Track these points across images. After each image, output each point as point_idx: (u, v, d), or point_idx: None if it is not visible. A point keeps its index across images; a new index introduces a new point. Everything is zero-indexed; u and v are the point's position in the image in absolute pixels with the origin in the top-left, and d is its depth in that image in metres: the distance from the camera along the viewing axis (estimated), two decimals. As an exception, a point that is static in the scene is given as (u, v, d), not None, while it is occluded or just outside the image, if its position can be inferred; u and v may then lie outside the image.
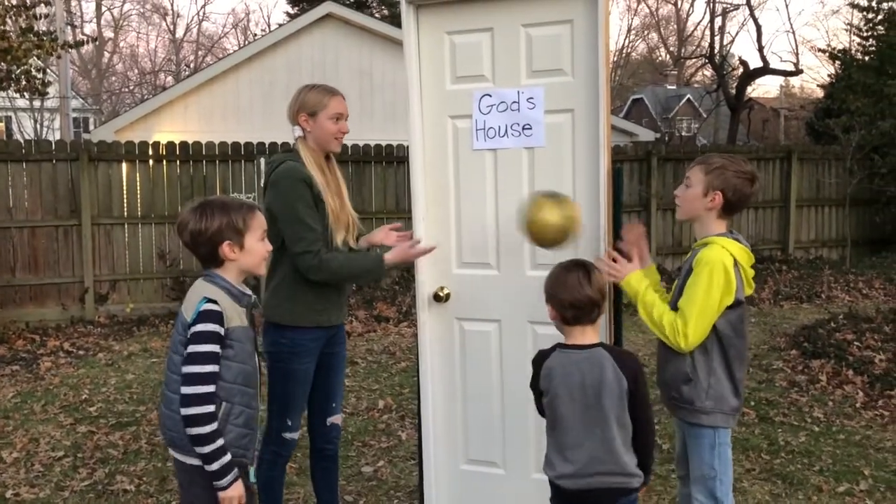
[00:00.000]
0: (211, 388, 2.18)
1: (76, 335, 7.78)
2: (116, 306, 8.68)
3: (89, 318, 8.43)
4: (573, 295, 2.32)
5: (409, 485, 4.04)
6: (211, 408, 2.17)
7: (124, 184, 8.73)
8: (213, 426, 2.17)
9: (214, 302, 2.23)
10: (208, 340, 2.19)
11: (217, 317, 2.22)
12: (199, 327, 2.20)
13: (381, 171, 9.73)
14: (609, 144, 2.88)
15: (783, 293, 9.10)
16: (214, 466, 2.18)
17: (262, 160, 8.85)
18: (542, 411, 2.45)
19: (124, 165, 8.75)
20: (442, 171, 3.15)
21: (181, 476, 2.35)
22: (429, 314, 3.20)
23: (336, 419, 3.23)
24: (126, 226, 8.75)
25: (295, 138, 3.04)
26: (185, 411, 2.16)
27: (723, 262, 2.44)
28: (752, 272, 2.57)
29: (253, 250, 2.34)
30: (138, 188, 8.77)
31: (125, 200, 8.73)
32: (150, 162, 8.81)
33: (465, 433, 3.24)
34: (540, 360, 2.40)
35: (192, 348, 2.18)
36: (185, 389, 2.16)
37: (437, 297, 3.17)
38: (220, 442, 2.18)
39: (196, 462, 2.23)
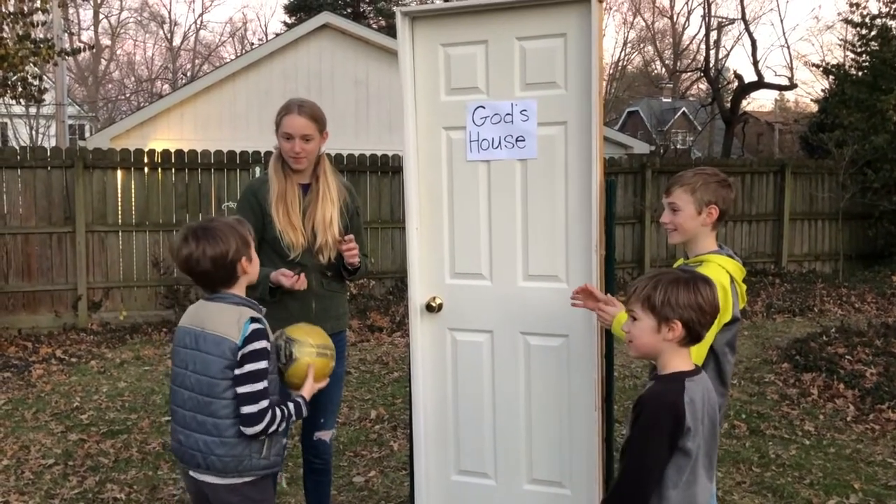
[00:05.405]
0: (266, 402, 2.26)
1: (69, 342, 7.76)
2: (109, 314, 8.66)
3: (82, 326, 8.41)
4: (711, 309, 1.96)
5: (400, 495, 4.03)
6: (269, 417, 2.26)
7: (119, 191, 8.73)
8: (282, 426, 2.31)
9: (259, 321, 2.28)
10: (262, 357, 2.26)
11: (265, 334, 2.29)
12: (255, 345, 2.24)
13: (377, 181, 9.75)
14: (602, 157, 2.90)
15: (776, 306, 9.11)
16: (294, 417, 2.34)
17: (258, 169, 8.88)
18: (660, 466, 1.90)
19: (119, 173, 8.74)
20: (435, 182, 3.16)
21: (231, 498, 2.33)
22: (421, 324, 3.21)
23: (324, 435, 3.16)
24: (120, 233, 8.75)
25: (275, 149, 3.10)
26: (251, 430, 2.24)
27: (721, 283, 2.40)
28: (744, 286, 2.59)
29: (254, 260, 2.41)
30: (133, 196, 8.76)
31: (120, 208, 8.72)
32: (146, 169, 8.81)
33: (456, 444, 3.24)
34: (670, 395, 1.92)
35: (249, 367, 2.23)
36: (246, 409, 2.23)
37: (429, 308, 3.18)
38: (276, 426, 2.29)
39: (243, 479, 2.30)
